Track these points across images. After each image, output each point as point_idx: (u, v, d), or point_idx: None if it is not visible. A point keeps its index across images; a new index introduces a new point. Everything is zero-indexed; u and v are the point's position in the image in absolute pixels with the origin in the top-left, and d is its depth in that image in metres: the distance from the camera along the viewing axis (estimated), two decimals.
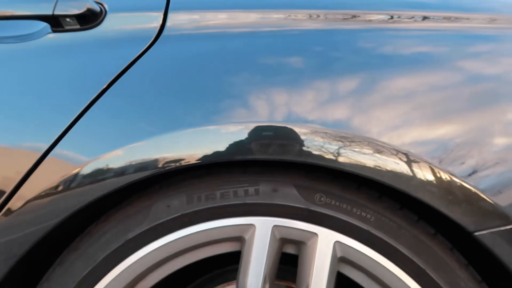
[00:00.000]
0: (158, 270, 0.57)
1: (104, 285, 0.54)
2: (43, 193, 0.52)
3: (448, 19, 0.61)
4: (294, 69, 0.55)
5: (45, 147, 0.52)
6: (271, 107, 0.53)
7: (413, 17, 0.61)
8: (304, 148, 0.52)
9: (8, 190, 0.53)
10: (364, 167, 0.51)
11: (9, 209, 0.53)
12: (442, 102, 0.54)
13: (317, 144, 0.52)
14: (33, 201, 0.52)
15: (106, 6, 0.62)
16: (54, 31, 0.61)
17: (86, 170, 0.52)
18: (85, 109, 0.53)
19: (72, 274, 0.54)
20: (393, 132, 0.52)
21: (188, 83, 0.55)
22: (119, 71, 0.55)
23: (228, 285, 0.69)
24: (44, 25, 0.60)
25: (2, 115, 0.55)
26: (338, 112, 0.53)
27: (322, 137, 0.52)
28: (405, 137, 0.52)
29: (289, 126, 0.52)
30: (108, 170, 0.52)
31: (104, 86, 0.55)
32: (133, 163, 0.52)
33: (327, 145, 0.52)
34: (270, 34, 0.59)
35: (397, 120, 0.53)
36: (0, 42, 0.60)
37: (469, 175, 0.52)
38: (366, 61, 0.56)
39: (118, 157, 0.52)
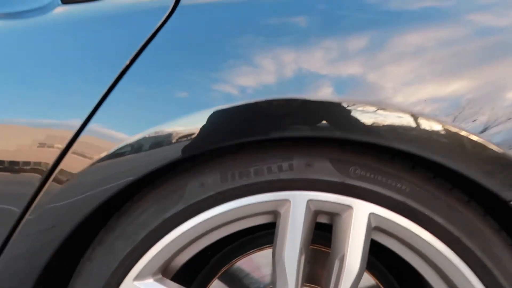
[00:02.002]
0: (194, 245, 0.59)
1: (144, 263, 0.55)
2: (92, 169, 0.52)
3: None
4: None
5: (78, 124, 0.51)
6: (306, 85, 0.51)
7: None
8: (341, 123, 0.50)
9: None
10: (401, 140, 0.50)
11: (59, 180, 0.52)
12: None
13: (352, 119, 0.50)
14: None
15: None
16: (63, 3, 0.57)
17: (124, 148, 0.51)
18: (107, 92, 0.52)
19: (114, 253, 0.55)
20: (430, 104, 0.50)
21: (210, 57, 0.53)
22: (142, 43, 0.53)
23: (260, 250, 0.71)
24: None
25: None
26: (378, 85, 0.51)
27: (356, 111, 0.50)
28: (441, 107, 0.51)
29: (323, 100, 0.51)
30: (148, 149, 0.51)
31: (127, 63, 0.52)
32: (171, 142, 0.51)
33: (361, 118, 0.50)
34: None
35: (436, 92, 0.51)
36: (6, 19, 0.57)
37: (508, 145, 0.51)
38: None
39: (155, 136, 0.51)
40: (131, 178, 0.51)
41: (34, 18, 0.56)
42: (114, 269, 0.55)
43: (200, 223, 0.55)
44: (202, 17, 0.55)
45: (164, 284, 0.58)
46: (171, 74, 0.52)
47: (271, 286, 0.67)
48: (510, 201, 0.52)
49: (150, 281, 0.57)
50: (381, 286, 0.69)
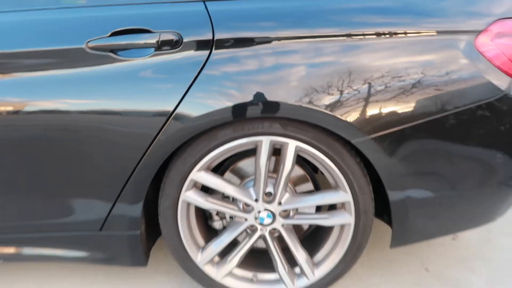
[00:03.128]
0: (221, 156, 1.34)
1: (202, 163, 1.30)
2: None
3: None
4: None
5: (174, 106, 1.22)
6: None
7: None
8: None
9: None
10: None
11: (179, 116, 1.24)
12: None
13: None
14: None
15: (181, 34, 1.21)
16: (156, 51, 1.22)
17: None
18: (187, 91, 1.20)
19: (191, 157, 1.29)
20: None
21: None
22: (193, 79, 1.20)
23: (248, 158, 1.48)
24: (152, 49, 1.21)
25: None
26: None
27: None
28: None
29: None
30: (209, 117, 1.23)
31: (187, 87, 1.21)
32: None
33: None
34: None
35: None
36: (126, 56, 1.21)
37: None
38: None
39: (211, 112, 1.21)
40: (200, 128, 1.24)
41: (136, 59, 1.21)
42: (187, 167, 1.31)
43: (226, 147, 1.29)
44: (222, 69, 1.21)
45: (208, 173, 1.34)
46: (209, 90, 1.21)
47: (253, 176, 1.44)
48: (351, 140, 1.25)
49: (202, 172, 1.33)
50: (306, 174, 1.48)
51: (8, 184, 1.31)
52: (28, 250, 1.44)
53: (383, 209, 1.41)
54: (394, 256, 1.79)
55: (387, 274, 1.68)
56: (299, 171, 1.52)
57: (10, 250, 1.45)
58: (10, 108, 1.22)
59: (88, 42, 1.20)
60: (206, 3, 1.22)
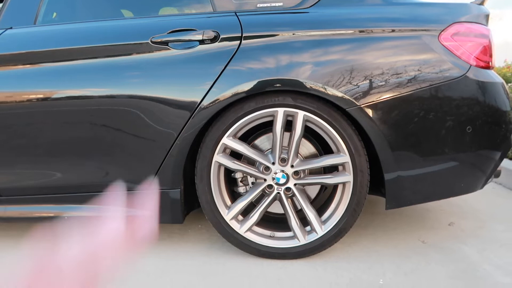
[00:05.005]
0: (248, 125, 1.72)
1: (230, 131, 1.68)
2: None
3: None
4: None
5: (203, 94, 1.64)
6: None
7: None
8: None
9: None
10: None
11: (203, 107, 1.65)
12: None
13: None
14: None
15: (219, 32, 1.67)
16: (200, 44, 1.68)
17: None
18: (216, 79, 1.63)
19: (223, 124, 1.68)
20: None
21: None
22: (222, 68, 1.64)
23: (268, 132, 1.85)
24: (197, 42, 1.67)
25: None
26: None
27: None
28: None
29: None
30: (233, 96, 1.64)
31: (217, 76, 1.64)
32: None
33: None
34: None
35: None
36: (176, 47, 1.68)
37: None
38: None
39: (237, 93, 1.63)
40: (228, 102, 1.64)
41: (185, 50, 1.67)
42: (220, 132, 1.69)
43: (249, 117, 1.68)
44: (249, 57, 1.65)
45: (235, 141, 1.71)
46: (238, 71, 1.64)
47: (269, 149, 1.80)
48: (346, 108, 1.63)
49: (231, 138, 1.71)
50: (311, 146, 1.83)
51: (86, 148, 1.72)
52: (88, 207, 1.80)
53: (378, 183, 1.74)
54: (396, 236, 2.05)
55: (388, 245, 1.93)
56: (308, 145, 1.88)
57: (74, 205, 1.81)
58: (96, 86, 1.68)
59: (151, 38, 1.67)
60: (237, 13, 1.71)
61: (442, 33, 1.63)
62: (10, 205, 1.81)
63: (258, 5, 1.79)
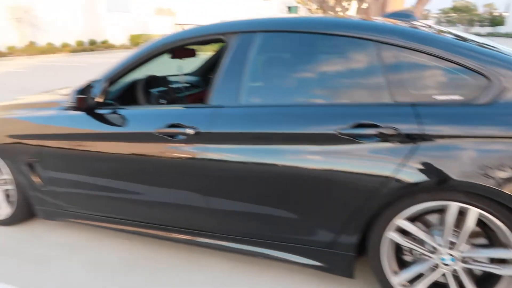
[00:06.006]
0: (416, 211, 1.92)
1: (404, 212, 1.91)
2: None
3: None
4: None
5: None
6: None
7: None
8: None
9: None
10: None
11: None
12: None
13: None
14: None
15: (399, 130, 1.86)
16: (380, 141, 1.90)
17: None
18: None
19: (395, 210, 1.93)
20: None
21: None
22: None
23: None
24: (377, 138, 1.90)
25: None
26: None
27: None
28: None
29: None
30: None
31: None
32: None
33: None
34: None
35: None
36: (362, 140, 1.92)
37: None
38: None
39: None
40: None
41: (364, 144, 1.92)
42: (394, 214, 1.93)
43: (422, 206, 1.88)
44: None
45: (406, 221, 1.94)
46: (416, 168, 1.82)
47: (436, 226, 1.96)
48: None
49: (402, 219, 1.94)
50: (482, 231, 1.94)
51: (277, 208, 2.16)
52: (269, 252, 2.27)
53: None
54: None
55: None
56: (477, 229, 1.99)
57: (260, 250, 2.30)
58: (286, 166, 2.07)
59: (338, 130, 1.95)
60: (416, 106, 1.86)
61: None
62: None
63: (435, 97, 1.87)
